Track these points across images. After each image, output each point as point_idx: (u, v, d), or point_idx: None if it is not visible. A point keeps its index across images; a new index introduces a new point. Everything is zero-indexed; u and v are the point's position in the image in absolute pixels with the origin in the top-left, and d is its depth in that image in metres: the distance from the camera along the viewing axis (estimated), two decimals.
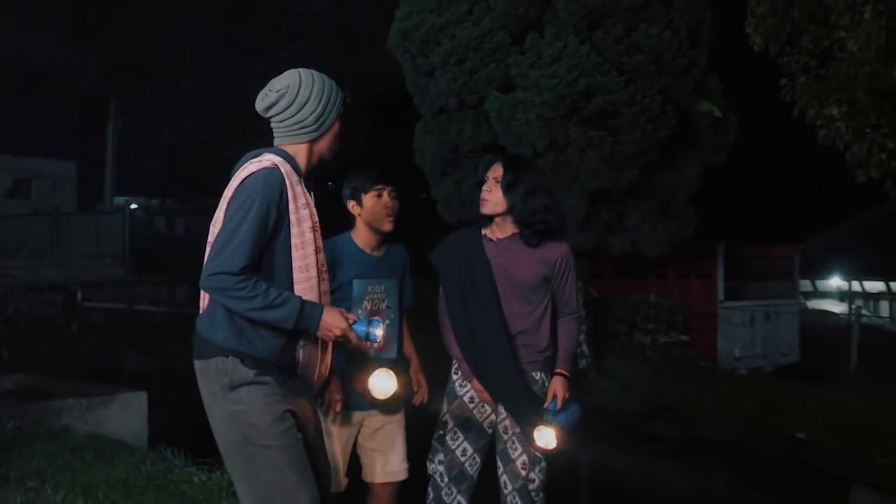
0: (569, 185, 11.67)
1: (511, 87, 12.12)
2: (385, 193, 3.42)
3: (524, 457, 3.48)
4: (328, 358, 2.91)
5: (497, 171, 3.45)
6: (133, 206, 26.62)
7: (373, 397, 3.31)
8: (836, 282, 25.79)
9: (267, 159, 2.71)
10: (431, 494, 3.57)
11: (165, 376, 12.70)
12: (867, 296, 24.25)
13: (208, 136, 21.38)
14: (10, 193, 21.50)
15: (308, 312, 2.63)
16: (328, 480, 2.98)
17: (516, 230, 3.48)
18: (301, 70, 2.81)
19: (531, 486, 3.48)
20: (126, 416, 7.12)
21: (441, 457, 3.56)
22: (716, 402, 10.74)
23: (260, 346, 2.67)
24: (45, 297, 15.56)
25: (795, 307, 16.50)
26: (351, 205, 3.44)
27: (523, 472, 3.48)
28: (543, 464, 3.50)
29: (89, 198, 23.35)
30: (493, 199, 3.44)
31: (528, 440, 3.42)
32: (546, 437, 3.28)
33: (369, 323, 2.76)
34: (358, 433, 3.47)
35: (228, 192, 2.71)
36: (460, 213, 13.47)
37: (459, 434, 3.54)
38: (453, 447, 3.54)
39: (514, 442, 3.50)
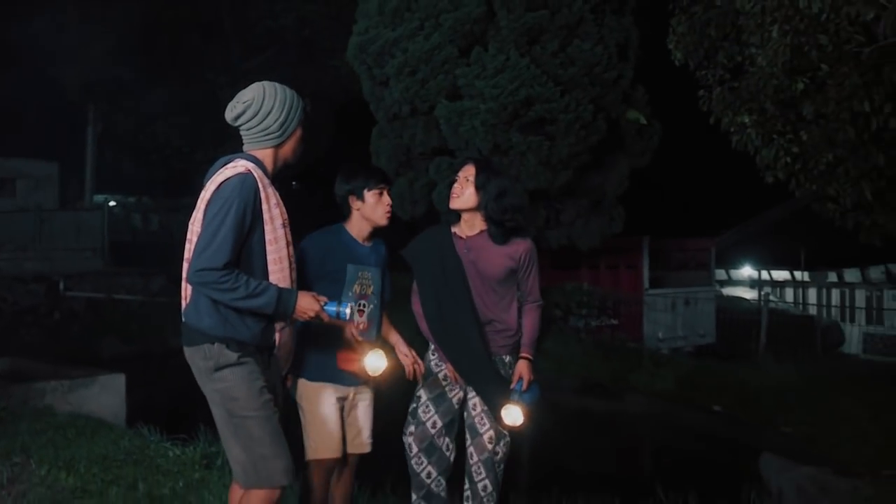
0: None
1: (458, 96, 12.12)
2: (385, 192, 3.44)
3: (491, 432, 3.51)
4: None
5: (469, 170, 3.47)
6: (111, 203, 26.21)
7: (366, 374, 3.36)
8: (747, 271, 26.20)
9: (241, 165, 2.80)
10: (409, 465, 3.61)
11: (142, 360, 12.53)
12: (774, 284, 24.70)
13: (181, 140, 21.14)
14: None
15: (285, 298, 2.76)
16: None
17: (484, 227, 3.49)
18: (265, 83, 2.91)
19: (496, 458, 3.52)
20: (105, 396, 7.02)
21: (412, 428, 3.57)
22: (641, 379, 10.83)
23: (243, 331, 2.77)
24: (29, 287, 15.29)
25: (711, 294, 16.73)
26: (351, 199, 3.41)
27: (489, 446, 3.51)
28: (507, 439, 3.55)
29: (70, 196, 23.02)
30: (464, 195, 3.45)
31: (495, 417, 3.45)
32: (513, 414, 3.32)
33: (339, 303, 2.87)
34: (343, 406, 3.46)
35: (206, 195, 2.80)
36: (412, 210, 13.47)
37: (431, 408, 3.55)
38: (424, 419, 3.55)
39: (482, 418, 3.52)
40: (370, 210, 3.41)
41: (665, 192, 20.90)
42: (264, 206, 2.79)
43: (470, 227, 3.51)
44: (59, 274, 15.95)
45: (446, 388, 3.55)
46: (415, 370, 3.60)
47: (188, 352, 2.80)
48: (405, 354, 3.62)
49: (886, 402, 7.73)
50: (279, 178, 3.00)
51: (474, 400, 3.53)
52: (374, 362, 3.30)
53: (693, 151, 17.21)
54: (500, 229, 3.44)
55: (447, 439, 3.57)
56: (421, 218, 13.60)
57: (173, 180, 22.80)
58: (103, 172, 22.62)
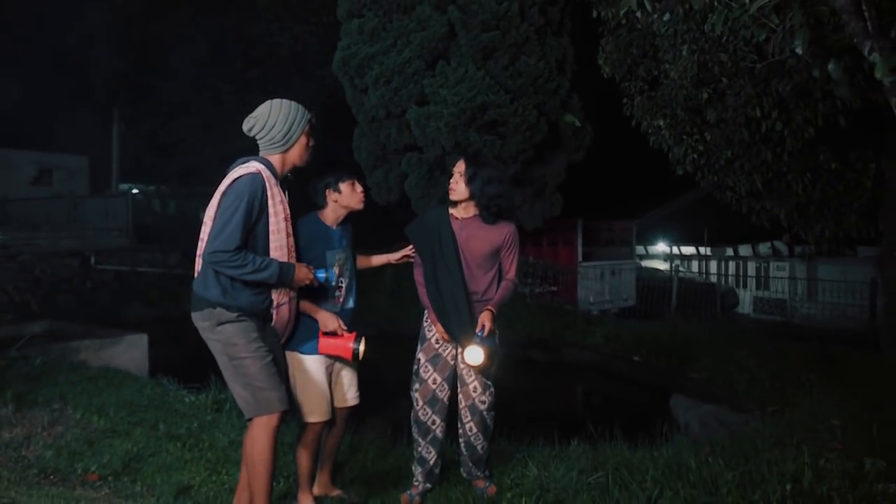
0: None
1: (426, 102, 12.06)
2: (356, 182, 3.42)
3: (476, 382, 3.51)
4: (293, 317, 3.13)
5: (461, 166, 3.46)
6: (134, 191, 25.77)
7: (469, 365, 3.40)
8: (661, 247, 26.48)
9: (253, 166, 2.87)
10: (412, 414, 3.59)
11: (161, 322, 12.36)
12: (683, 257, 24.95)
13: (193, 137, 20.84)
14: (35, 181, 20.68)
15: (285, 269, 2.90)
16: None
17: (476, 212, 3.48)
18: (274, 100, 2.98)
19: (480, 406, 3.52)
20: (131, 352, 6.96)
21: (417, 385, 3.56)
22: (575, 335, 10.92)
23: (242, 299, 2.85)
24: (65, 261, 15.03)
25: (633, 266, 16.87)
26: (328, 192, 3.38)
27: (474, 394, 3.52)
28: (491, 389, 3.55)
29: (99, 184, 22.63)
30: (458, 188, 3.45)
31: (486, 373, 3.50)
32: (474, 354, 3.28)
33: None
34: (330, 373, 3.44)
35: (222, 188, 2.86)
36: (388, 197, 13.43)
37: (429, 367, 3.53)
38: (426, 378, 3.53)
39: (469, 370, 3.51)
40: (347, 198, 3.38)
41: (596, 182, 20.98)
42: (270, 202, 2.86)
43: (465, 210, 3.49)
44: (91, 250, 15.75)
45: (439, 350, 3.52)
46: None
47: (195, 316, 2.88)
48: (388, 258, 3.72)
49: (771, 352, 7.86)
50: (287, 178, 3.05)
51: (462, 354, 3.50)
52: (473, 356, 3.29)
53: (619, 149, 17.28)
54: (488, 212, 3.44)
55: (447, 391, 3.55)
56: (395, 204, 13.56)
57: (187, 171, 22.44)
58: (127, 164, 22.30)
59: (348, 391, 3.53)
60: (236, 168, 2.90)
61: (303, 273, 2.98)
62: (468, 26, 11.73)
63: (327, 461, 3.62)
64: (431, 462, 3.59)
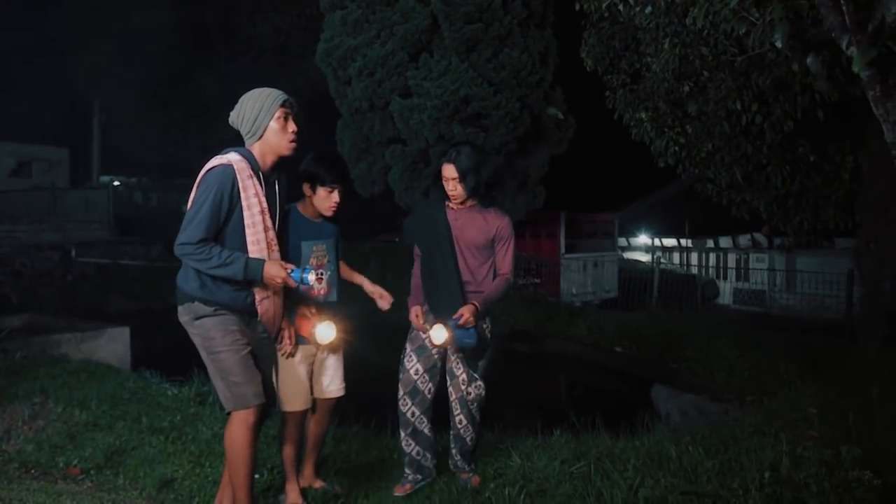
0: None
1: (409, 95, 12.03)
2: (336, 192, 3.33)
3: (464, 375, 3.50)
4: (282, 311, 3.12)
5: (451, 172, 3.40)
6: (116, 183, 25.51)
7: (316, 343, 3.32)
8: (643, 239, 26.63)
9: (226, 158, 2.81)
10: (398, 405, 3.57)
11: (143, 315, 12.27)
12: (664, 249, 25.10)
13: (174, 129, 20.66)
14: (14, 173, 20.39)
15: (252, 266, 2.77)
16: (271, 396, 3.13)
17: (473, 203, 3.50)
18: (249, 91, 2.91)
19: (468, 398, 3.51)
20: (113, 345, 6.89)
21: (401, 375, 3.54)
22: (558, 326, 10.94)
23: (220, 294, 2.82)
24: (45, 254, 14.86)
25: (615, 258, 16.95)
26: (305, 187, 3.34)
27: (462, 387, 3.51)
28: (478, 382, 3.53)
29: (80, 176, 22.37)
30: (458, 193, 3.43)
31: (467, 363, 3.49)
32: (437, 333, 3.26)
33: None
34: (313, 362, 3.42)
35: (198, 180, 2.82)
36: (371, 189, 13.40)
37: (413, 357, 3.51)
38: (408, 367, 3.51)
39: (457, 363, 3.50)
40: (319, 201, 3.34)
41: (578, 174, 21.05)
42: (242, 195, 2.80)
43: (461, 202, 3.49)
44: (71, 243, 15.58)
45: (425, 341, 3.48)
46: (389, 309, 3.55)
47: (179, 310, 2.88)
48: (371, 291, 3.58)
49: (750, 343, 7.94)
50: (278, 167, 3.00)
51: (451, 347, 3.47)
52: (323, 332, 3.26)
53: (601, 141, 17.34)
54: (485, 200, 3.50)
55: (429, 384, 3.51)
56: (378, 195, 13.53)
57: (168, 163, 22.27)
58: (108, 156, 22.03)
59: (332, 382, 3.50)
60: (212, 159, 2.86)
61: (274, 270, 2.78)
62: (451, 18, 11.69)
63: (311, 453, 3.61)
64: (415, 455, 3.56)
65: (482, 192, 3.46)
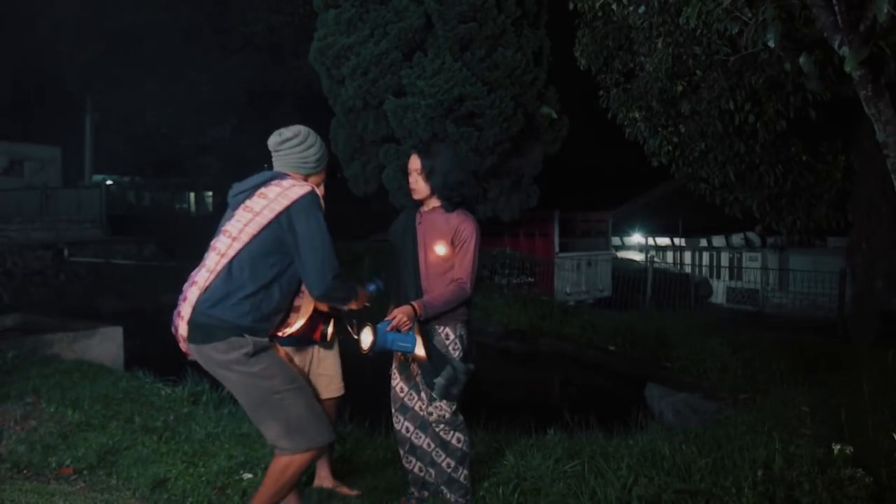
0: None
1: (403, 94, 12.02)
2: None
3: (422, 393, 3.22)
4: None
5: (415, 162, 3.19)
6: (108, 182, 25.43)
7: (361, 349, 3.07)
8: (636, 238, 26.69)
9: (300, 183, 2.66)
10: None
11: (136, 314, 12.21)
12: (658, 248, 25.15)
13: (167, 128, 20.59)
14: (5, 172, 20.24)
15: (351, 293, 2.74)
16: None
17: (438, 203, 3.21)
18: (304, 126, 2.85)
19: (430, 419, 3.20)
20: (105, 345, 6.84)
21: (391, 392, 3.39)
22: (552, 325, 10.93)
23: (269, 325, 2.62)
24: (37, 253, 14.80)
25: (608, 257, 16.95)
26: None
27: (420, 405, 3.25)
28: (438, 402, 3.14)
29: (72, 175, 22.26)
30: (419, 187, 3.18)
31: (428, 382, 3.13)
32: (364, 338, 2.94)
33: (375, 284, 3.03)
34: (310, 362, 3.36)
35: (265, 205, 2.57)
36: (365, 188, 13.39)
37: (396, 374, 3.34)
38: (394, 384, 3.36)
39: (421, 381, 3.23)
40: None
41: (572, 173, 21.10)
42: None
43: (429, 205, 3.24)
44: (64, 242, 15.52)
45: (408, 357, 3.22)
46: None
47: (206, 349, 2.53)
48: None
49: (743, 341, 7.96)
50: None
51: (413, 365, 3.24)
52: (366, 338, 3.01)
53: (595, 140, 17.37)
54: (450, 202, 3.18)
55: (417, 399, 3.28)
56: (373, 195, 13.52)
57: (161, 162, 22.21)
58: (100, 155, 21.94)
59: (332, 382, 3.47)
60: (275, 184, 2.63)
61: (363, 295, 2.85)
62: (445, 17, 11.69)
63: (324, 453, 3.57)
64: (417, 472, 3.37)
65: (447, 195, 3.15)
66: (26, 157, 20.87)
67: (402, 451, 3.39)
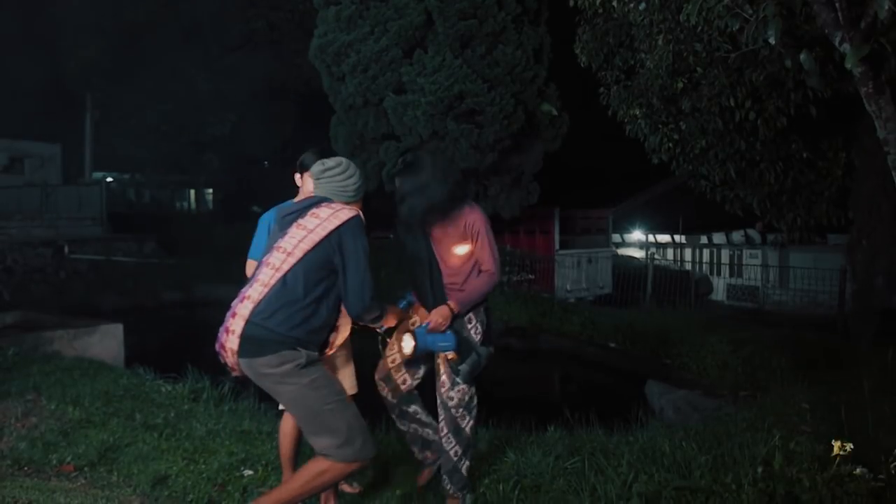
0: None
1: (403, 91, 12.01)
2: None
3: (444, 377, 3.29)
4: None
5: (398, 185, 3.32)
6: (108, 179, 25.42)
7: (402, 354, 3.27)
8: (637, 235, 26.63)
9: (349, 207, 2.81)
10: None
11: (137, 312, 12.23)
12: (658, 245, 25.08)
13: (167, 125, 20.56)
14: (5, 169, 20.23)
15: (384, 312, 2.86)
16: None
17: None
18: (345, 158, 3.02)
19: (450, 403, 3.27)
20: (106, 342, 6.84)
21: (379, 363, 3.46)
22: (552, 322, 10.92)
23: (318, 339, 2.73)
24: (37, 251, 14.80)
25: (609, 254, 16.92)
26: (297, 175, 3.35)
27: (443, 389, 3.31)
28: (461, 387, 3.25)
29: (72, 173, 22.24)
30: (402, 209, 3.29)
31: (454, 369, 3.23)
32: (406, 343, 3.14)
33: (406, 300, 3.18)
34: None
35: (318, 224, 2.70)
36: (365, 185, 13.36)
37: (395, 346, 3.39)
38: (386, 354, 3.43)
39: (439, 367, 3.33)
40: (306, 185, 3.33)
41: (572, 170, 21.06)
42: None
43: None
44: (64, 239, 15.51)
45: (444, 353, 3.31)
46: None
47: (257, 362, 2.60)
48: None
49: (743, 338, 7.96)
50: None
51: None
52: (408, 342, 3.18)
53: (595, 137, 17.35)
54: (429, 220, 3.25)
55: (405, 375, 3.38)
56: (373, 192, 13.50)
57: (161, 159, 22.16)
58: (100, 153, 21.91)
59: (345, 380, 3.47)
60: (325, 206, 2.77)
61: (395, 312, 3.01)
62: (445, 14, 11.68)
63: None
64: (413, 432, 3.48)
65: (433, 208, 3.21)
66: (26, 155, 20.86)
67: (393, 416, 3.49)
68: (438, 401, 3.33)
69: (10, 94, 17.72)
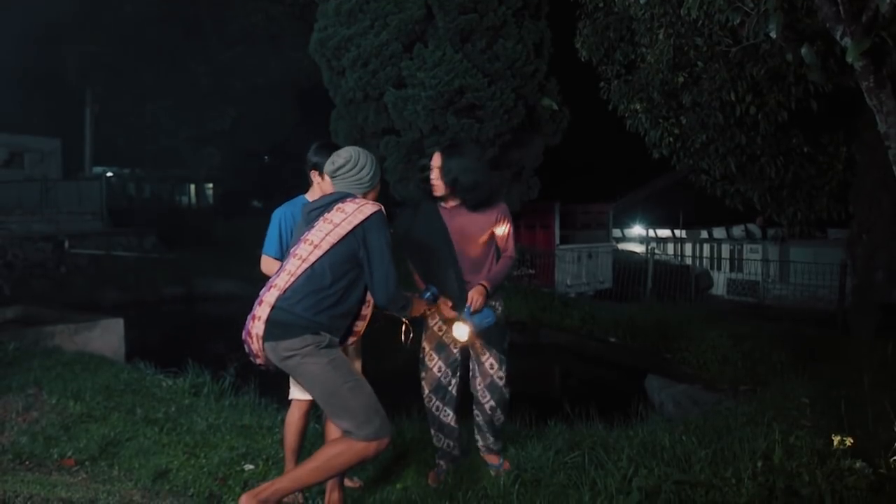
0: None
1: (403, 85, 11.99)
2: None
3: (492, 359, 3.52)
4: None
5: (437, 161, 3.42)
6: (108, 174, 25.41)
7: (455, 340, 3.42)
8: (637, 230, 26.64)
9: (372, 202, 2.87)
10: (425, 402, 3.63)
11: (137, 306, 12.26)
12: (659, 240, 25.07)
13: (167, 120, 20.54)
14: (5, 164, 20.23)
15: (410, 304, 2.99)
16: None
17: (459, 202, 3.47)
18: (356, 148, 3.03)
19: (500, 382, 3.52)
20: (106, 337, 6.86)
21: (423, 374, 3.58)
22: (553, 317, 10.94)
23: (341, 325, 2.83)
24: (37, 245, 14.82)
25: (609, 248, 16.89)
26: (313, 174, 3.35)
27: (492, 371, 3.51)
28: (506, 363, 3.54)
29: (72, 167, 22.24)
30: (438, 184, 3.42)
31: (500, 349, 3.50)
32: (460, 331, 3.27)
33: (431, 292, 3.22)
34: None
35: (351, 219, 2.77)
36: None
37: (434, 355, 3.54)
38: (430, 365, 3.54)
39: (483, 349, 3.52)
40: (328, 187, 3.33)
41: (573, 165, 21.05)
42: None
43: (450, 202, 3.48)
44: (64, 234, 15.52)
45: (443, 337, 3.52)
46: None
47: (282, 344, 2.71)
48: None
49: (743, 333, 7.96)
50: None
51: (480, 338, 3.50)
52: (460, 331, 3.29)
53: (595, 132, 17.33)
54: (469, 201, 3.43)
55: (452, 379, 3.55)
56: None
57: (161, 154, 22.15)
58: (100, 147, 21.91)
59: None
60: (348, 202, 2.84)
61: (419, 306, 3.12)
62: (445, 8, 11.65)
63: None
64: (446, 448, 3.65)
65: (461, 195, 3.40)
66: (26, 149, 20.86)
67: (433, 431, 3.65)
68: (484, 385, 3.53)
69: (10, 88, 17.71)
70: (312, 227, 2.83)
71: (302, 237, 2.84)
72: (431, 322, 3.56)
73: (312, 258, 2.75)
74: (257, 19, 20.50)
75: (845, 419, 3.39)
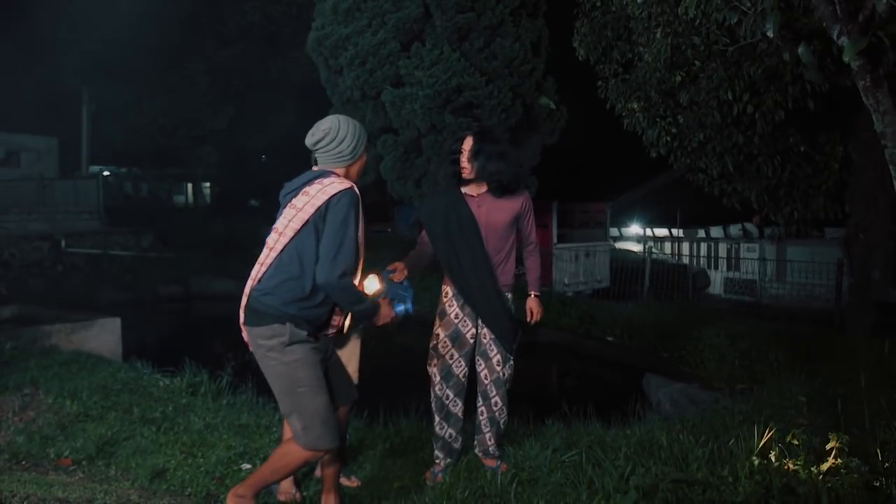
0: (444, 159, 11.72)
1: (401, 84, 11.99)
2: None
3: (498, 356, 3.55)
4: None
5: (468, 144, 3.47)
6: (106, 173, 25.36)
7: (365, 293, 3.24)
8: (634, 229, 26.63)
9: (340, 181, 2.76)
10: (431, 391, 3.63)
11: (134, 305, 12.23)
12: (656, 239, 25.07)
13: (164, 119, 20.50)
14: (2, 163, 20.24)
15: (372, 310, 2.87)
16: (352, 394, 3.14)
17: (486, 188, 3.52)
18: (339, 116, 2.90)
19: (503, 378, 3.57)
20: (103, 336, 6.84)
21: (434, 361, 3.59)
22: (550, 316, 10.88)
23: (320, 316, 2.75)
24: (34, 244, 14.79)
25: (607, 247, 16.89)
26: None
27: (498, 368, 3.55)
28: (511, 362, 3.59)
29: (69, 166, 22.23)
30: (467, 167, 3.47)
31: (502, 344, 3.52)
32: (369, 284, 3.21)
33: (404, 305, 3.12)
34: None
35: (314, 202, 2.68)
36: (363, 179, 13.32)
37: (448, 342, 3.56)
38: (443, 353, 3.57)
39: (491, 345, 3.55)
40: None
41: (570, 164, 21.04)
42: (361, 219, 2.79)
43: (479, 187, 3.52)
44: (61, 233, 15.50)
45: (459, 325, 3.56)
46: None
47: (255, 331, 2.70)
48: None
49: (740, 332, 7.96)
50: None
51: (484, 330, 3.55)
52: (369, 285, 3.22)
53: (593, 131, 17.32)
54: (495, 187, 3.48)
55: (464, 368, 3.59)
56: (370, 186, 13.50)
57: (159, 153, 22.11)
58: (97, 146, 21.88)
59: (349, 366, 3.46)
60: (317, 182, 2.76)
61: (385, 312, 2.98)
62: (443, 7, 11.64)
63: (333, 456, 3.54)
64: (447, 438, 3.65)
65: (486, 179, 3.46)
66: (23, 148, 20.84)
67: (437, 419, 3.64)
68: (490, 381, 3.57)
69: (7, 87, 17.68)
70: (282, 213, 2.78)
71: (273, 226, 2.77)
72: (449, 310, 3.58)
73: (279, 246, 2.70)
74: (254, 18, 20.49)
75: (842, 417, 3.40)
